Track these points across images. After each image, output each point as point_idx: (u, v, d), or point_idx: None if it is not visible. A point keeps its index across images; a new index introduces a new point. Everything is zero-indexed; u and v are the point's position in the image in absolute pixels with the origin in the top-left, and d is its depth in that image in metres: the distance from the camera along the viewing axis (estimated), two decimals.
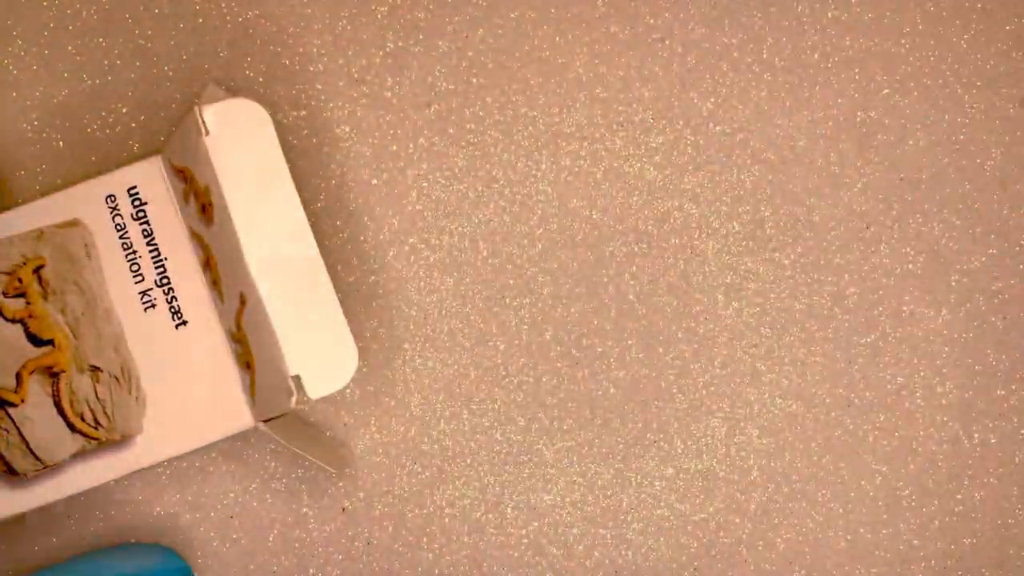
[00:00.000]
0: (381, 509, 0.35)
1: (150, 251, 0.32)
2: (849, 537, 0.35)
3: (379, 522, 0.35)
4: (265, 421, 0.31)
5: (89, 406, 0.30)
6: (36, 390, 0.30)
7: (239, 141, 0.30)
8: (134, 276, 0.32)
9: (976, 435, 0.35)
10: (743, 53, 0.34)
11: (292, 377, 0.29)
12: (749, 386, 0.35)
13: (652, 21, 0.34)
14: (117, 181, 0.32)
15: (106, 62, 0.35)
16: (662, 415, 0.35)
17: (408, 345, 0.35)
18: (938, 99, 0.34)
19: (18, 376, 0.30)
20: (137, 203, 0.32)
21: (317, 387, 0.30)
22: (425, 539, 0.35)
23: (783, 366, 0.35)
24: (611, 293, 0.35)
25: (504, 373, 0.35)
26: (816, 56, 0.33)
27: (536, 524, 0.35)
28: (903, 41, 0.33)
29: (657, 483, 0.35)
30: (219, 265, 0.31)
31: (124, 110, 0.35)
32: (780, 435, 0.35)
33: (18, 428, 0.30)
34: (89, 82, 0.34)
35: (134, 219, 0.32)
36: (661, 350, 0.35)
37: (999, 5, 0.33)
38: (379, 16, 0.34)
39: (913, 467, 0.35)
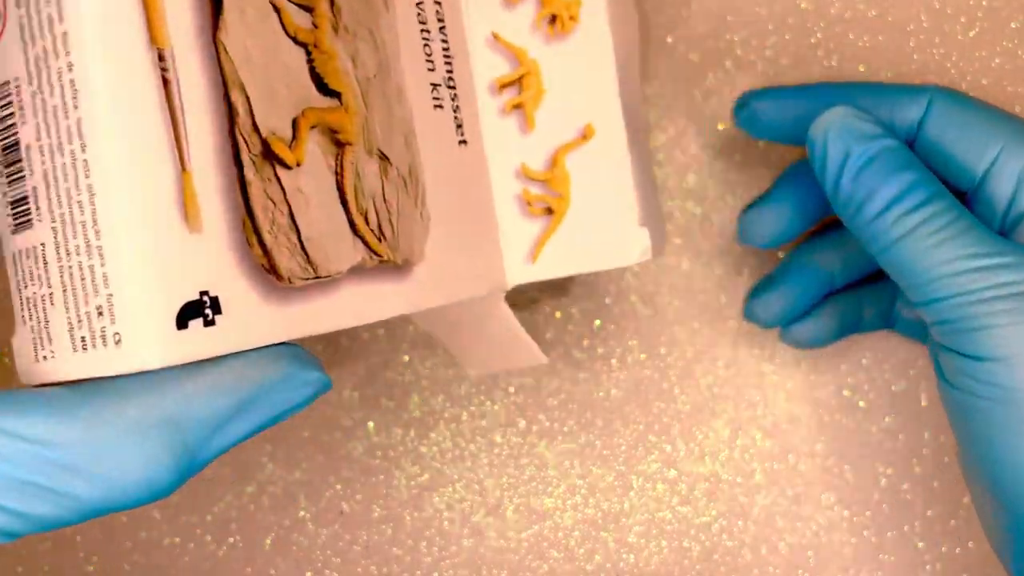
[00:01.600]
0: (379, 512, 0.35)
1: (442, 40, 0.25)
2: (854, 540, 0.35)
3: (377, 525, 0.35)
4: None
5: (375, 206, 0.22)
6: (316, 155, 0.21)
7: None
8: (427, 61, 0.24)
9: None
10: (747, 49, 0.34)
11: (642, 228, 0.25)
12: (753, 388, 0.35)
13: None
14: None
15: None
16: (664, 417, 0.35)
17: (407, 346, 0.35)
18: None
19: (295, 124, 0.21)
20: None
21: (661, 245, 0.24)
22: (424, 543, 0.35)
23: (787, 368, 0.35)
24: (613, 293, 0.35)
25: (504, 374, 0.35)
26: (820, 53, 0.33)
27: (537, 527, 0.35)
28: (908, 40, 0.33)
29: (659, 486, 0.35)
30: (552, 88, 0.25)
31: None
32: (784, 437, 0.35)
33: (288, 202, 0.20)
34: None
35: None
36: (663, 351, 0.35)
37: (1004, 3, 0.33)
38: None
39: (919, 469, 0.35)
